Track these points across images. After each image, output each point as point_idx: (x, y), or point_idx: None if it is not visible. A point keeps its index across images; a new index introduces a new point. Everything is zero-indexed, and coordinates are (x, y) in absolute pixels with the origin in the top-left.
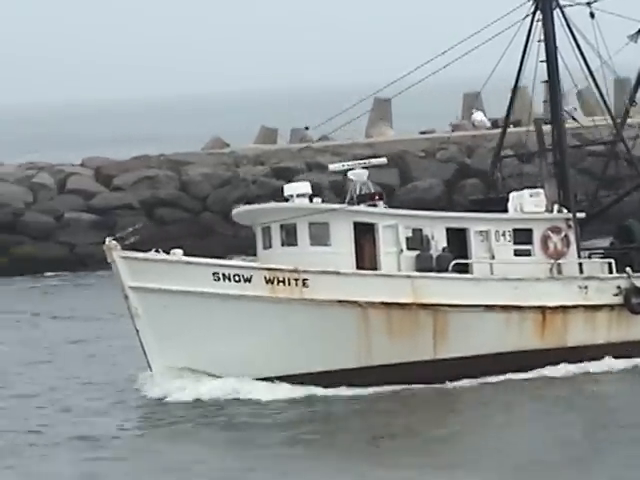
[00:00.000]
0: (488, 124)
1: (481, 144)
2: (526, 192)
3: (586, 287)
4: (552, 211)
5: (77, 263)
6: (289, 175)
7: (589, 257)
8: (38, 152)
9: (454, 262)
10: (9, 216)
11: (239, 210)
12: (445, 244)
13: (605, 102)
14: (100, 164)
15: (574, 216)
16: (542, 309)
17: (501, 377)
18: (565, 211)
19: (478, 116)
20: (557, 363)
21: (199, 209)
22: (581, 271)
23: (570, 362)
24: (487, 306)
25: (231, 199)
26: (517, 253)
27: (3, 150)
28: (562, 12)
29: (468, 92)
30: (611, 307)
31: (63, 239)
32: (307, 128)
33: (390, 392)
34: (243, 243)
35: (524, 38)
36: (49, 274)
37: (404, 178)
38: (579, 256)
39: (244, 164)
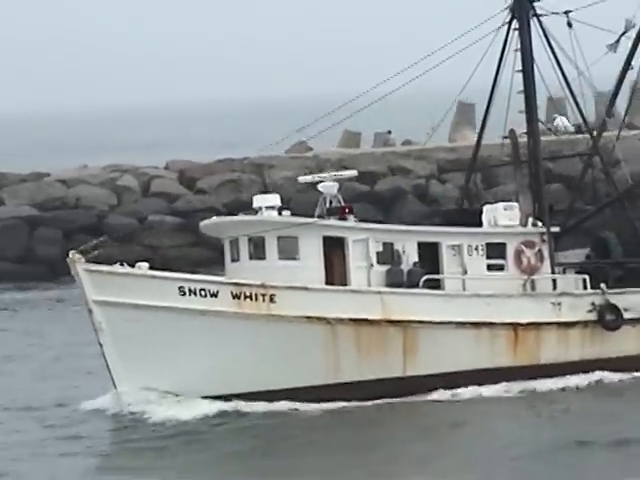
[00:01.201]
0: (571, 129)
1: (564, 149)
2: (500, 205)
3: (559, 303)
4: (527, 225)
5: (160, 265)
6: (372, 179)
7: (564, 272)
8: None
9: (425, 277)
10: (93, 218)
11: (207, 222)
12: (417, 259)
13: (582, 113)
14: (184, 167)
15: (548, 230)
16: (514, 326)
17: (472, 394)
18: (540, 225)
19: (561, 121)
20: (530, 380)
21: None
22: (554, 287)
23: (543, 379)
24: (458, 323)
25: (314, 202)
26: (490, 268)
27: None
28: (539, 21)
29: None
30: (585, 324)
31: (147, 242)
32: (390, 132)
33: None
34: None
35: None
36: None
37: (488, 182)
38: (553, 271)
39: (327, 168)
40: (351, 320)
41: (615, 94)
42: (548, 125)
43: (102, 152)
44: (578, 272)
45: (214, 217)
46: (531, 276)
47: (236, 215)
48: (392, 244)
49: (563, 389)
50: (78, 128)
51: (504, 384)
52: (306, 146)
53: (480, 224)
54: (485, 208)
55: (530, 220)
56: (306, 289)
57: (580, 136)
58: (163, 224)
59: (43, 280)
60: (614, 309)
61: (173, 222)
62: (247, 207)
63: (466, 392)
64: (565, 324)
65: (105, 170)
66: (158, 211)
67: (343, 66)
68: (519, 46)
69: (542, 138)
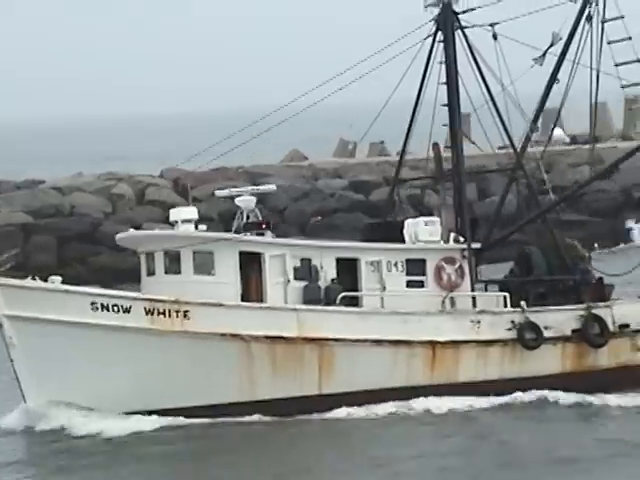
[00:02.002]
0: (567, 139)
1: (560, 160)
2: (421, 220)
3: (479, 321)
4: (448, 240)
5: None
6: (367, 188)
7: (486, 288)
8: None
9: (342, 294)
10: (88, 226)
11: (123, 235)
12: (335, 275)
13: (505, 127)
14: (179, 175)
15: (469, 246)
16: (432, 344)
17: (389, 411)
18: (462, 240)
19: (557, 132)
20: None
21: (277, 221)
22: (474, 304)
23: (461, 397)
24: (375, 340)
25: (309, 211)
26: (410, 284)
27: None
28: (463, 33)
29: (546, 108)
30: (504, 342)
31: None
32: (382, 142)
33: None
34: None
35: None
36: (126, 284)
37: (482, 193)
38: (473, 288)
39: (322, 177)
40: (266, 337)
41: (540, 108)
42: (472, 141)
43: None
44: (501, 289)
45: (131, 229)
46: (451, 293)
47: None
48: (310, 260)
49: (483, 408)
50: None
51: (423, 401)
52: (301, 155)
53: (402, 238)
54: (406, 223)
55: (452, 235)
56: (220, 305)
57: (574, 147)
58: None
59: None
60: (534, 327)
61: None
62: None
63: (382, 409)
64: (484, 342)
65: (100, 178)
66: (153, 219)
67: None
68: (444, 58)
69: (536, 148)
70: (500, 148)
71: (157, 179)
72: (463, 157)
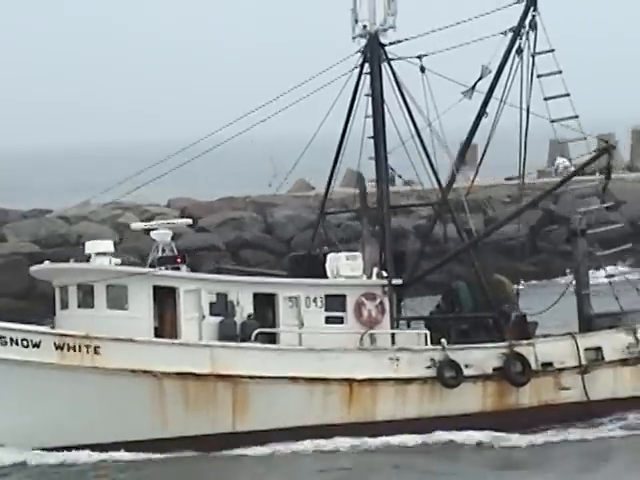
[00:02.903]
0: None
1: (566, 190)
2: (342, 255)
3: (397, 359)
4: (371, 275)
5: None
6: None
7: (408, 325)
8: None
9: (257, 331)
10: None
11: (37, 268)
12: (252, 310)
13: (430, 162)
14: (185, 205)
15: (390, 282)
16: (349, 382)
17: (307, 449)
18: (384, 275)
19: (562, 162)
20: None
21: (284, 251)
22: (393, 342)
23: (378, 436)
24: (290, 378)
25: (316, 242)
26: (329, 320)
27: None
28: (390, 66)
29: (553, 139)
30: (423, 380)
31: None
32: (392, 169)
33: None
34: None
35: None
36: None
37: (489, 223)
38: (392, 325)
39: (330, 207)
40: (178, 374)
41: (468, 142)
42: (398, 174)
43: None
44: (427, 325)
45: (46, 262)
46: (371, 329)
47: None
48: (226, 295)
49: (401, 446)
50: None
51: (341, 441)
52: (308, 185)
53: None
54: (328, 257)
55: (375, 270)
56: (132, 341)
57: (583, 177)
58: None
59: (44, 316)
60: (454, 365)
61: None
62: (249, 245)
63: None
64: (403, 380)
65: (107, 207)
66: None
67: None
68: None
69: (545, 179)
70: (507, 179)
71: (164, 209)
72: (388, 190)
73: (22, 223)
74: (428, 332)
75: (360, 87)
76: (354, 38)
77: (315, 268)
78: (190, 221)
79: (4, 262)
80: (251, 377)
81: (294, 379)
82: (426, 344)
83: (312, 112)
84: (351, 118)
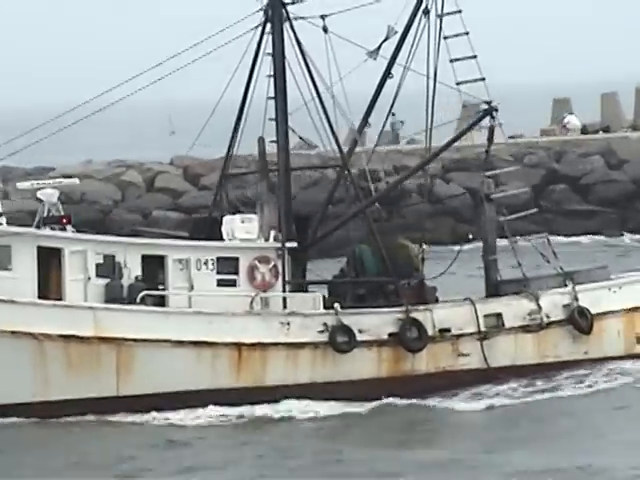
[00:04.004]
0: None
1: (570, 149)
2: (237, 217)
3: (288, 323)
4: (269, 238)
5: None
6: (376, 177)
7: (304, 289)
8: None
9: (143, 293)
10: (97, 213)
11: None
12: (140, 272)
13: (330, 125)
14: (188, 163)
15: (283, 245)
16: (238, 346)
17: (191, 415)
18: (280, 238)
19: (572, 119)
20: (255, 402)
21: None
22: (285, 306)
23: (269, 402)
24: (176, 341)
25: (318, 200)
26: (221, 283)
27: None
28: (291, 25)
29: (558, 98)
30: (315, 345)
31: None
32: (402, 122)
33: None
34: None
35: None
36: None
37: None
38: (284, 289)
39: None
40: (60, 336)
41: (373, 103)
42: (299, 135)
43: None
44: (329, 290)
45: None
46: (262, 293)
47: None
48: (114, 257)
49: (287, 417)
50: None
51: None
52: (310, 144)
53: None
54: (225, 219)
55: (272, 233)
56: (13, 302)
57: (587, 136)
58: (167, 220)
59: None
60: (347, 330)
61: (177, 218)
62: (251, 204)
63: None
64: (293, 345)
65: (110, 165)
66: (162, 207)
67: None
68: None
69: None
70: (510, 137)
71: (167, 166)
72: (288, 152)
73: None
74: (321, 296)
75: (263, 47)
76: None
77: (215, 231)
78: (77, 181)
79: (7, 219)
80: (135, 340)
81: (180, 342)
82: (319, 308)
83: (210, 74)
84: (254, 78)
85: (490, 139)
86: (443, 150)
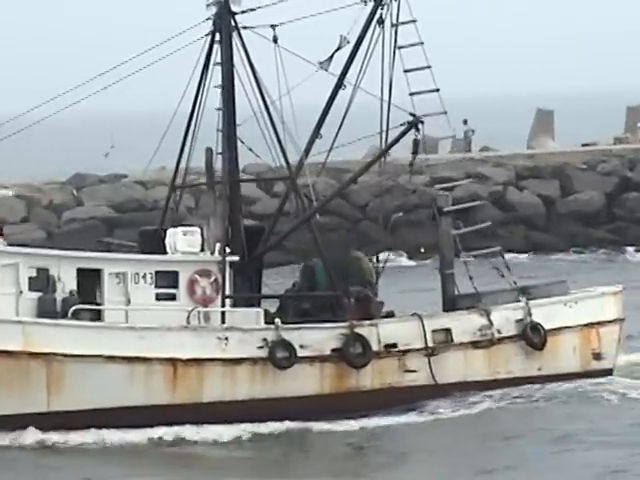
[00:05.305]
0: None
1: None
2: (180, 230)
3: (226, 338)
4: (214, 252)
5: None
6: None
7: (258, 304)
8: None
9: (75, 307)
10: (170, 221)
11: None
12: (75, 286)
13: (277, 135)
14: (261, 170)
15: (224, 259)
16: (173, 361)
17: (126, 434)
18: (228, 251)
19: None
20: (189, 422)
21: (358, 217)
22: (223, 321)
23: (203, 420)
24: (108, 357)
25: (390, 208)
26: (160, 297)
27: None
28: (239, 35)
29: (632, 106)
30: (254, 361)
31: None
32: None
33: None
34: None
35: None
36: None
37: (565, 190)
38: (224, 304)
39: (403, 173)
40: None
41: (325, 113)
42: (248, 147)
43: None
44: (281, 304)
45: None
46: (200, 307)
47: None
48: (47, 270)
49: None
50: None
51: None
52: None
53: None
54: (168, 232)
55: (218, 247)
56: None
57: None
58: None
59: None
60: (287, 346)
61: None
62: (323, 211)
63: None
64: (231, 360)
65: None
66: None
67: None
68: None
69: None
70: (584, 145)
71: (240, 174)
72: (237, 163)
73: (99, 187)
74: (263, 311)
75: (213, 57)
76: (208, 6)
77: (161, 244)
78: (10, 193)
79: (82, 226)
80: (65, 355)
81: (112, 358)
82: (261, 324)
83: (156, 84)
84: (203, 89)
85: (415, 152)
86: (375, 161)
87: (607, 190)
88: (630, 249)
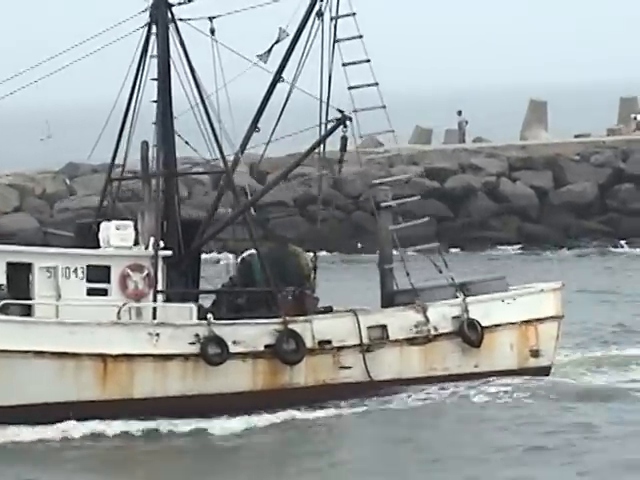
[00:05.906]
0: None
1: (637, 149)
2: (113, 224)
3: (157, 334)
4: (148, 246)
5: None
6: (442, 175)
7: (195, 299)
8: None
9: (4, 302)
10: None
11: None
12: (4, 280)
13: (213, 128)
14: (255, 160)
15: (156, 253)
16: (103, 357)
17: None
18: (162, 245)
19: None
20: (117, 417)
21: (351, 208)
22: (155, 316)
23: (137, 416)
24: (36, 352)
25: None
26: (91, 292)
27: None
28: (176, 27)
29: (625, 97)
30: (185, 357)
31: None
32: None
33: None
34: None
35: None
36: None
37: (558, 181)
38: (155, 299)
39: (397, 163)
40: None
41: (262, 107)
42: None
43: None
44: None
45: None
46: (132, 303)
47: None
48: None
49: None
50: None
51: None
52: (376, 142)
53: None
54: (101, 226)
55: (152, 241)
56: None
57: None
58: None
59: None
60: (219, 342)
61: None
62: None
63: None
64: (162, 356)
65: (178, 163)
66: (229, 204)
67: None
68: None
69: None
70: (577, 136)
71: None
72: (174, 157)
73: (92, 177)
74: (195, 307)
75: (150, 49)
76: None
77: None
78: None
79: (75, 216)
80: None
81: (40, 353)
82: (193, 319)
83: (92, 76)
84: (141, 81)
85: (342, 148)
86: (304, 158)
87: (600, 181)
88: (622, 242)
